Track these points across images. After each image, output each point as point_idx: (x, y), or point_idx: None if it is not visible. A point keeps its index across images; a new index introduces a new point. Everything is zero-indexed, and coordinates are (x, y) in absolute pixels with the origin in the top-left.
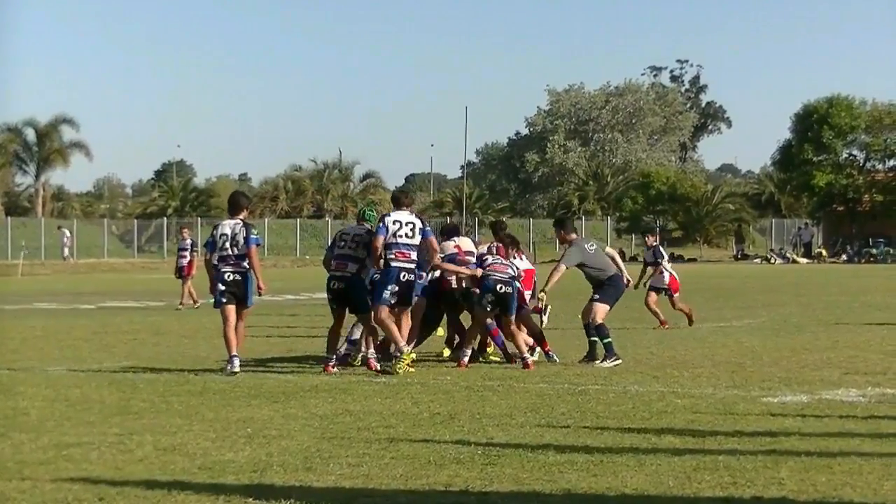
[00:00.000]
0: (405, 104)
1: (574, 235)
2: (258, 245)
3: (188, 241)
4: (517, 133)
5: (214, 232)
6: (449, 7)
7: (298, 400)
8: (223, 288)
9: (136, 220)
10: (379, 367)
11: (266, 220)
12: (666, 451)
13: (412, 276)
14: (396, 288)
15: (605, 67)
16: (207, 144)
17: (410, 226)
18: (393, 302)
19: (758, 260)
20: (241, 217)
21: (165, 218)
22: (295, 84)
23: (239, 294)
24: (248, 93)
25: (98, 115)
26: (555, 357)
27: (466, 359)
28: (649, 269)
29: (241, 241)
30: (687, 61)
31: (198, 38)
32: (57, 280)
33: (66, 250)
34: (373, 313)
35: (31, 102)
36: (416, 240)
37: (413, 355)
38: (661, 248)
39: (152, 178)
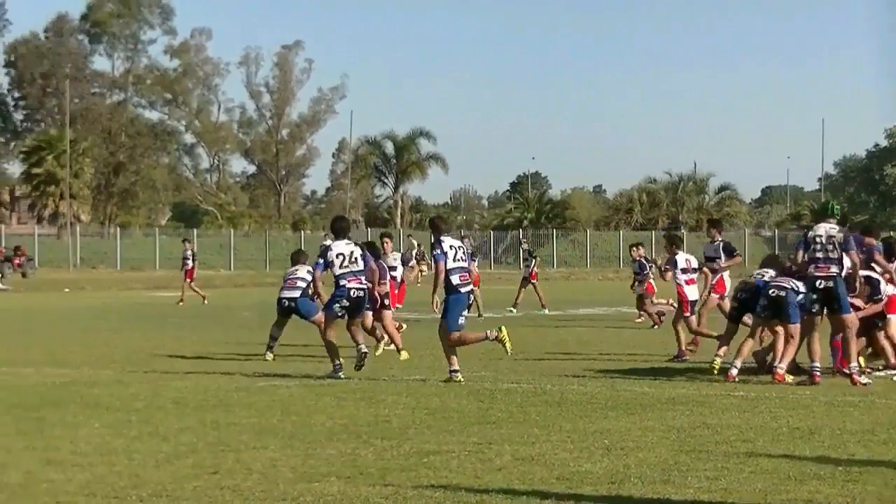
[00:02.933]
0: (761, 116)
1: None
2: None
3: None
4: (876, 145)
5: (329, 253)
6: (807, 17)
7: (655, 412)
8: (346, 303)
9: (491, 232)
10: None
11: (621, 231)
12: None
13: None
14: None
15: None
16: (562, 156)
17: (462, 249)
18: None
19: None
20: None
21: (521, 230)
22: (648, 96)
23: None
24: (600, 103)
25: (454, 128)
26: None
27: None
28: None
29: (359, 258)
30: None
31: (548, 51)
32: (412, 290)
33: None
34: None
35: (390, 116)
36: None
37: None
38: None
39: (508, 190)
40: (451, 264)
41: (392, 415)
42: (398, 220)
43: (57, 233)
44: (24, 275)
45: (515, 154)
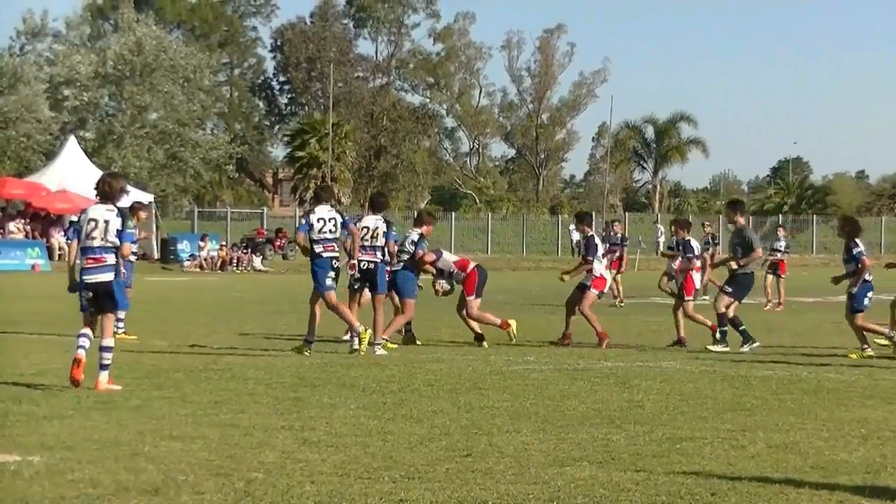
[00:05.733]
0: None
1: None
2: (395, 241)
3: (782, 243)
4: None
5: (358, 224)
6: None
7: None
8: (357, 275)
9: (751, 217)
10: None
11: (883, 218)
12: None
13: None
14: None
15: None
16: (825, 141)
17: (334, 222)
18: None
19: None
20: (381, 214)
21: (780, 215)
22: None
23: (371, 282)
24: (866, 88)
25: (715, 112)
26: None
27: None
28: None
29: (381, 235)
30: None
31: (814, 35)
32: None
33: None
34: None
35: (650, 100)
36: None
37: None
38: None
39: (768, 175)
40: (316, 235)
41: (645, 400)
42: (656, 205)
43: None
44: (284, 257)
45: (777, 138)
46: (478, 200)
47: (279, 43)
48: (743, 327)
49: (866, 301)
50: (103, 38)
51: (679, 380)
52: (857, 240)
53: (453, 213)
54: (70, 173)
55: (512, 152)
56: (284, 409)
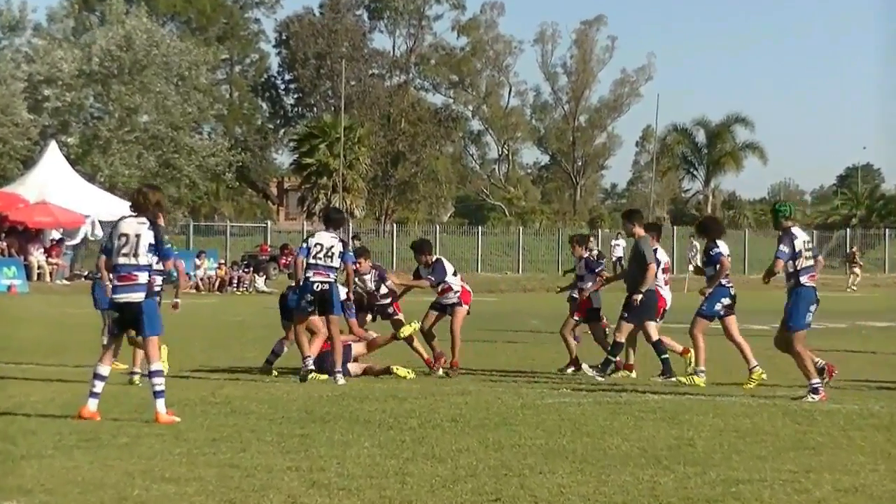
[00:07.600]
0: None
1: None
2: (352, 262)
3: None
4: None
5: (310, 240)
6: None
7: None
8: (310, 297)
9: (814, 231)
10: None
11: None
12: None
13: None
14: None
15: None
16: None
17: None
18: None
19: None
20: (337, 232)
21: (848, 229)
22: None
23: (325, 303)
24: None
25: (775, 113)
26: None
27: None
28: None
29: (336, 254)
30: None
31: (884, 26)
32: None
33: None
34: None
35: (701, 101)
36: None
37: None
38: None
39: (834, 185)
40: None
41: (696, 437)
42: None
43: None
44: (290, 275)
45: (844, 143)
46: (507, 213)
47: (285, 37)
48: (614, 357)
49: (718, 307)
50: (88, 32)
51: (734, 414)
52: (719, 241)
53: (480, 228)
54: (51, 183)
55: (546, 159)
56: (291, 447)
